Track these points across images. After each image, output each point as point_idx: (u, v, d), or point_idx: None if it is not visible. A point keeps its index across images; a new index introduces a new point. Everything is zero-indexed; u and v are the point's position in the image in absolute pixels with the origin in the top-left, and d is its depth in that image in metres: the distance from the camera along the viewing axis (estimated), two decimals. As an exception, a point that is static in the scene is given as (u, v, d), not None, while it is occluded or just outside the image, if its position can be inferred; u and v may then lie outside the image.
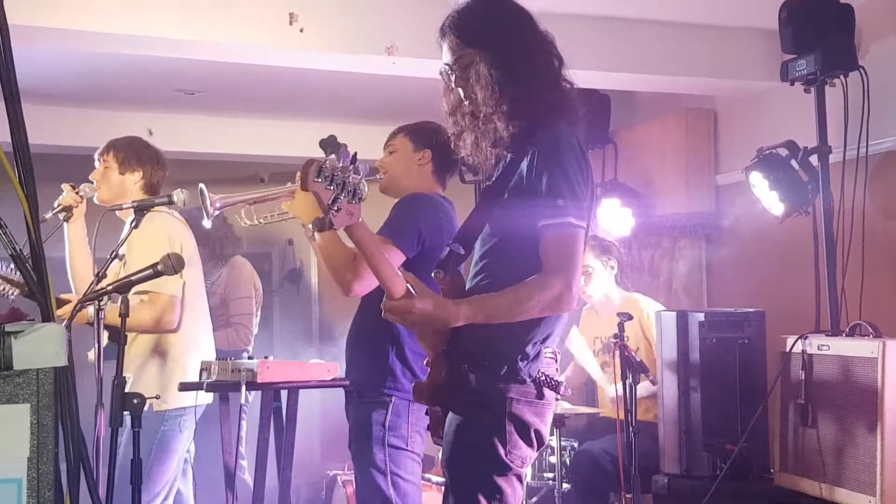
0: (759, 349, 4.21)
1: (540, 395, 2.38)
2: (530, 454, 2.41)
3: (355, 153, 2.11)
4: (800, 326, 4.11)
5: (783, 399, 4.03)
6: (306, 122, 6.70)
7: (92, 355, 3.24)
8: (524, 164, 2.36)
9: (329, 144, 2.08)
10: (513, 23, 2.46)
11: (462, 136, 2.49)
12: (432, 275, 2.40)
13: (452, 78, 2.47)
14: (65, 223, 3.93)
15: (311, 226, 3.25)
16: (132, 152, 4.01)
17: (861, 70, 4.26)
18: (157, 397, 3.57)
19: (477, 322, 2.27)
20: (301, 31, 4.23)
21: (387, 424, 3.28)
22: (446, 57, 2.49)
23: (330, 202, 2.07)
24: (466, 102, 2.45)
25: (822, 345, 3.84)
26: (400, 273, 2.25)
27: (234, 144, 6.62)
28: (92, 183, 3.96)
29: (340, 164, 2.06)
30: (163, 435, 3.75)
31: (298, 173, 3.37)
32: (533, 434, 2.38)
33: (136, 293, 3.55)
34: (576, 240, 2.32)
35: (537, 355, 2.39)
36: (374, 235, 2.31)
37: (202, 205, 3.38)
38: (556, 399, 2.60)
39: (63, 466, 1.61)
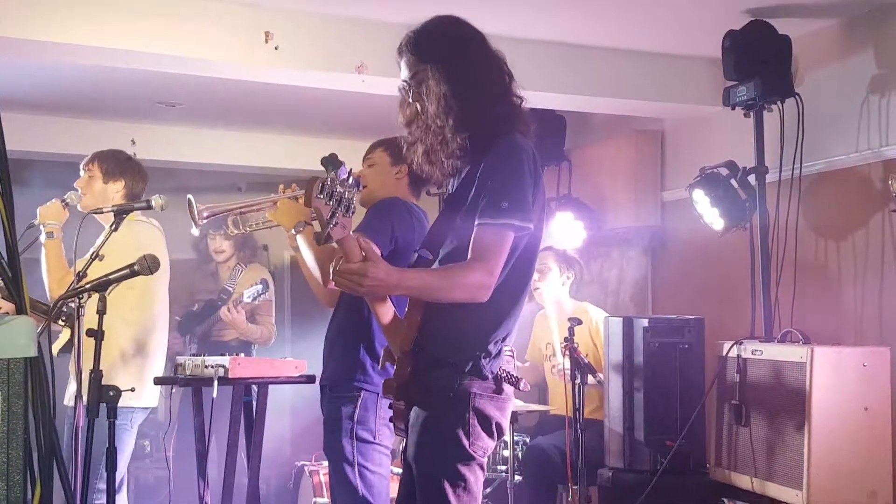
0: (698, 353, 4.22)
1: (499, 391, 2.38)
2: (491, 445, 2.40)
3: (351, 169, 2.11)
4: (736, 333, 4.16)
5: (719, 400, 4.06)
6: (281, 135, 6.66)
7: (56, 348, 3.19)
8: (478, 174, 2.36)
9: (330, 162, 2.08)
10: (463, 41, 2.47)
11: (415, 145, 2.48)
12: None
13: (410, 93, 2.47)
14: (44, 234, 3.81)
15: (293, 231, 3.25)
16: (115, 164, 3.98)
17: (797, 97, 4.30)
18: (133, 390, 3.51)
19: (402, 293, 2.30)
20: (276, 48, 4.20)
21: (355, 418, 3.24)
22: (404, 73, 2.49)
23: (329, 217, 2.10)
24: (423, 116, 2.45)
25: (756, 350, 3.87)
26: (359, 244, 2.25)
27: (213, 154, 6.54)
28: (77, 191, 3.91)
29: (339, 180, 2.07)
30: (115, 428, 3.71)
31: (281, 186, 3.39)
32: (494, 426, 2.38)
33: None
34: (506, 240, 2.29)
35: (498, 353, 2.38)
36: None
37: (190, 214, 3.33)
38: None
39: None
